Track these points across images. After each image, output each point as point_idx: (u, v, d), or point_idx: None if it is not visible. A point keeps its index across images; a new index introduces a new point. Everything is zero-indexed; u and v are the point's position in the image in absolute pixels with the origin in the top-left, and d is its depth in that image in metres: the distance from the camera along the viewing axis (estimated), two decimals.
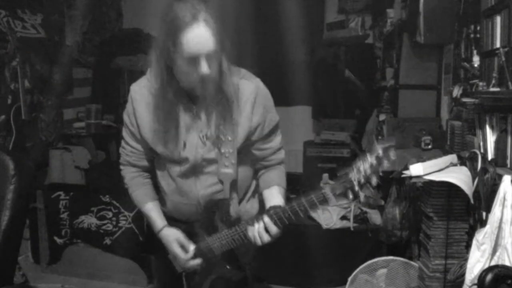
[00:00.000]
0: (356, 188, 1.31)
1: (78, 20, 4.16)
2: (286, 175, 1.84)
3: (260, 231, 1.51)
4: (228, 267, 1.69)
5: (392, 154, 1.27)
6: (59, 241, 3.51)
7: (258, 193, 1.83)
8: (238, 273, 1.72)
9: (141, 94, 1.62)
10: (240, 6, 3.99)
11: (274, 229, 1.50)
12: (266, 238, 1.52)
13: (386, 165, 1.28)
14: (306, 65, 4.20)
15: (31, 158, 3.41)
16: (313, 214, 3.22)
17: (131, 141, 1.70)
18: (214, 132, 1.59)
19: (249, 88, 1.62)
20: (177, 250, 1.68)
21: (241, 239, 1.59)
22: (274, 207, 1.55)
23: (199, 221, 1.70)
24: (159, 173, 1.74)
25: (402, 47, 3.33)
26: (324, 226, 3.13)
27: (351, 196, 1.33)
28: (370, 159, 1.29)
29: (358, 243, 3.11)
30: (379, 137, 3.55)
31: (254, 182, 1.81)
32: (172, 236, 1.70)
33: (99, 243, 3.41)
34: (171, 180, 1.69)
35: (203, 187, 1.65)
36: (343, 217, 3.17)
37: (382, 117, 3.56)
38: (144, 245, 1.90)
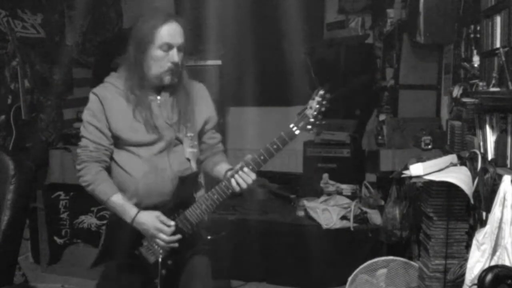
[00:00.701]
0: (312, 120, 1.72)
1: (78, 20, 4.16)
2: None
3: (244, 177, 1.75)
4: (209, 237, 1.89)
5: (328, 95, 1.72)
6: (59, 241, 3.51)
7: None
8: (215, 239, 1.90)
9: (108, 94, 1.87)
10: (240, 6, 3.99)
11: (253, 174, 1.76)
12: (250, 181, 1.76)
13: (326, 103, 1.73)
14: (306, 65, 4.20)
15: (31, 158, 3.41)
16: (313, 215, 3.22)
17: (96, 138, 1.85)
18: (177, 118, 1.88)
19: (200, 86, 2.02)
20: (159, 225, 1.78)
21: (222, 196, 1.80)
22: (247, 158, 1.79)
23: (173, 198, 1.84)
24: (126, 161, 1.85)
25: (402, 47, 3.33)
26: (324, 226, 3.14)
27: (309, 127, 1.74)
28: (317, 98, 1.72)
29: (358, 243, 3.11)
30: (379, 137, 3.55)
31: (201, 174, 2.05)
32: (151, 215, 1.79)
33: (99, 243, 3.41)
34: (142, 162, 1.83)
35: (175, 164, 1.86)
36: (343, 217, 3.17)
37: (382, 117, 3.56)
38: (103, 255, 1.94)
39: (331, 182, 3.58)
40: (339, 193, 3.51)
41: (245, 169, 1.76)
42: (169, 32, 1.79)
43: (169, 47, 1.79)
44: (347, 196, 3.43)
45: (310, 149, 3.87)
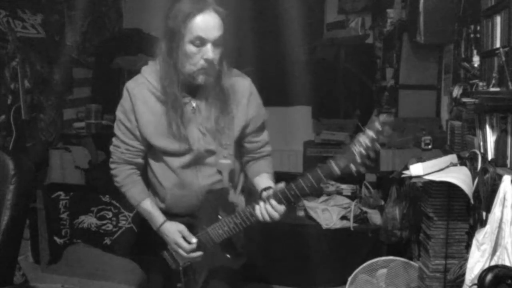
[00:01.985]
0: (358, 160, 1.39)
1: (78, 20, 4.16)
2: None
3: (269, 210, 1.58)
4: (228, 256, 1.75)
5: (388, 129, 1.39)
6: (59, 241, 3.51)
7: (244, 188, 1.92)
8: (238, 261, 1.79)
9: (140, 91, 1.69)
10: (240, 6, 3.99)
11: (281, 208, 1.58)
12: (277, 216, 1.59)
13: (382, 139, 1.41)
14: (306, 65, 4.20)
15: (31, 158, 3.41)
16: (313, 215, 3.22)
17: (126, 139, 1.74)
18: (213, 124, 1.68)
19: (244, 84, 1.76)
20: (181, 241, 1.71)
21: (245, 222, 1.65)
22: (278, 187, 1.61)
23: (199, 212, 1.74)
24: (156, 168, 1.76)
25: (402, 47, 3.33)
26: (324, 226, 3.13)
27: (354, 169, 1.40)
28: (370, 133, 1.38)
29: (358, 243, 3.11)
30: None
31: (242, 175, 1.89)
32: (176, 228, 1.73)
33: (99, 243, 3.41)
34: (171, 173, 1.73)
35: (204, 178, 1.73)
36: (343, 217, 3.17)
37: (382, 117, 3.56)
38: (138, 246, 1.94)
39: (331, 182, 3.58)
40: (339, 193, 3.51)
41: (273, 201, 1.57)
42: (203, 24, 1.54)
43: (202, 41, 1.56)
44: (347, 196, 3.43)
45: (310, 149, 3.87)
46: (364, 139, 1.39)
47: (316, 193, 1.49)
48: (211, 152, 1.71)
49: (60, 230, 3.50)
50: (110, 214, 3.36)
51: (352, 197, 3.43)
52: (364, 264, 2.50)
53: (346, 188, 3.56)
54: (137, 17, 4.63)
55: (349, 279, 2.50)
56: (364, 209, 3.22)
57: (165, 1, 1.69)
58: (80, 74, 4.31)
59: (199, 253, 1.73)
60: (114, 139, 1.78)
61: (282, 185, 1.59)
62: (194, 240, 1.71)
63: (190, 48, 1.57)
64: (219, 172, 1.73)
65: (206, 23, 1.55)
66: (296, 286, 3.20)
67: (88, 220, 3.43)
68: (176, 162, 1.71)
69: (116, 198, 3.29)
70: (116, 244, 3.36)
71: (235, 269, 1.82)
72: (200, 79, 1.62)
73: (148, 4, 4.24)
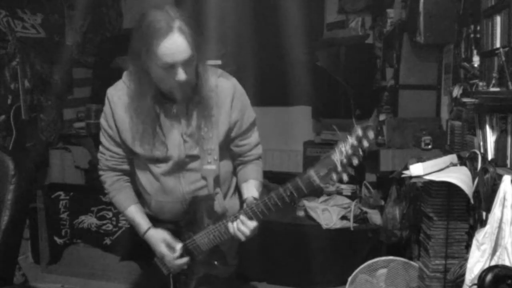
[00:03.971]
0: (339, 168, 1.34)
1: (78, 20, 4.16)
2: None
3: (239, 227, 1.55)
4: (216, 263, 1.72)
5: (371, 134, 1.33)
6: (59, 241, 3.51)
7: (238, 190, 1.87)
8: (226, 269, 1.78)
9: (119, 97, 1.66)
10: (240, 6, 3.99)
11: (250, 224, 1.55)
12: (246, 232, 1.56)
13: (365, 144, 1.33)
14: (306, 65, 4.20)
15: (31, 158, 3.41)
16: (313, 215, 3.22)
17: (110, 146, 1.74)
18: (195, 130, 1.63)
19: (227, 86, 1.68)
20: (163, 250, 1.70)
21: (224, 235, 1.63)
22: (248, 203, 1.62)
23: (184, 219, 1.73)
24: (140, 175, 1.76)
25: (402, 47, 3.33)
26: (324, 226, 3.14)
27: (334, 178, 1.35)
28: (351, 140, 1.34)
29: (358, 243, 3.11)
30: (379, 137, 3.55)
31: (235, 178, 1.85)
32: (158, 237, 1.72)
33: (99, 243, 3.42)
34: (154, 179, 1.72)
35: (187, 184, 1.70)
36: (343, 217, 3.17)
37: (382, 117, 3.56)
38: (131, 252, 1.95)
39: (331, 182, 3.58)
40: (339, 193, 3.51)
41: (243, 218, 1.54)
42: (169, 50, 1.46)
43: (171, 66, 1.48)
44: (347, 196, 3.43)
45: (310, 149, 3.86)
46: (346, 147, 1.34)
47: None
48: (194, 158, 1.67)
49: (60, 230, 3.50)
50: (110, 214, 3.36)
51: (352, 197, 3.43)
52: (364, 264, 2.50)
53: (346, 188, 3.56)
54: (137, 17, 4.62)
55: (349, 279, 2.50)
56: (364, 209, 3.22)
57: (165, 1, 1.68)
58: (80, 74, 4.31)
59: (184, 260, 1.71)
60: (100, 146, 1.78)
61: (253, 200, 1.58)
62: (178, 247, 1.69)
63: (161, 72, 1.50)
64: (204, 178, 1.69)
65: (172, 48, 1.46)
66: (296, 286, 3.20)
67: (88, 220, 3.43)
68: (158, 169, 1.69)
69: None
70: (116, 244, 3.36)
71: (224, 277, 1.81)
72: (177, 95, 1.58)
73: (148, 4, 4.23)
